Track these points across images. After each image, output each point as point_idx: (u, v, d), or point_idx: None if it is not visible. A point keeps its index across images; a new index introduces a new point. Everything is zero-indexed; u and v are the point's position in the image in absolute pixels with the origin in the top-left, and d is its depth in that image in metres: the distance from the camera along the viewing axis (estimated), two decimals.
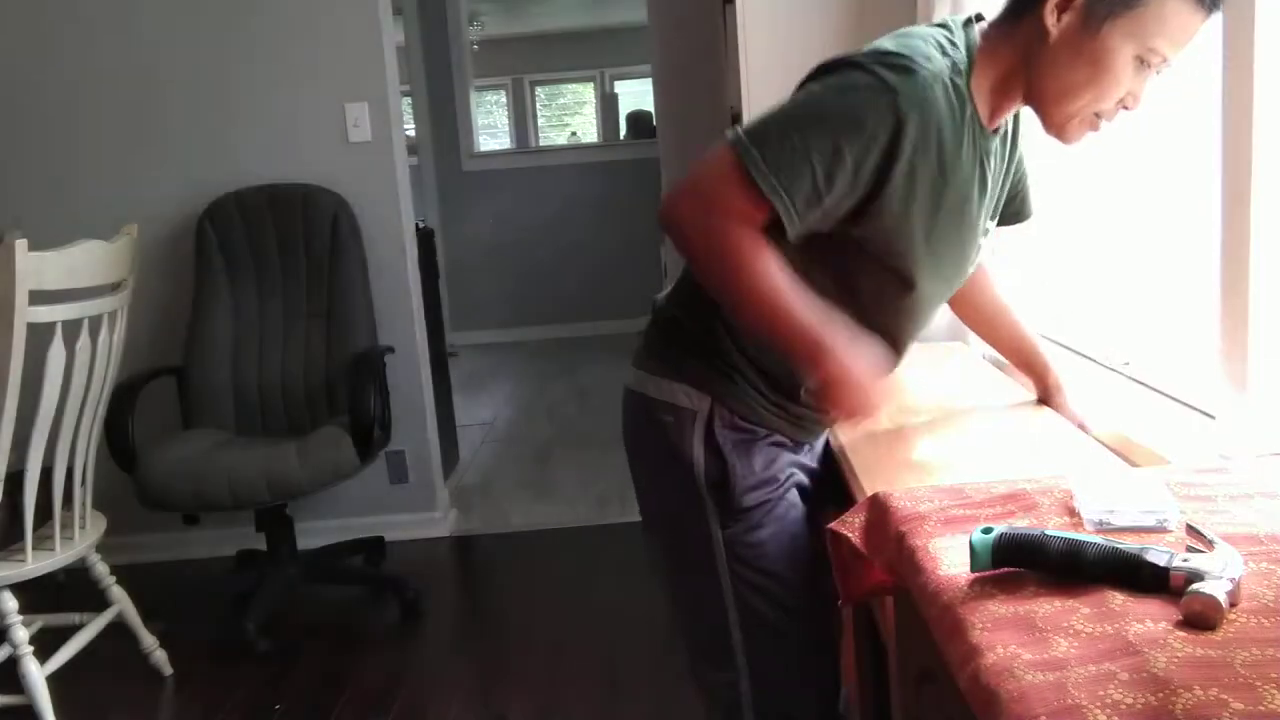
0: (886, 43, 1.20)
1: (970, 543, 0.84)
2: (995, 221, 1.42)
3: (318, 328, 3.14)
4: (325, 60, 3.29)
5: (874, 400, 1.20)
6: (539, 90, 10.88)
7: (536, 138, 10.73)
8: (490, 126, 10.76)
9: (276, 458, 2.75)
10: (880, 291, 1.30)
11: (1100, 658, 0.70)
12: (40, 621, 2.59)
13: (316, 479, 2.77)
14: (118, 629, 2.62)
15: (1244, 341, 1.21)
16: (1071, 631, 0.74)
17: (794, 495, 1.41)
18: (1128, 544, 0.81)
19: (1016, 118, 1.36)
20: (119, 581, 2.63)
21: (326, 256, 3.15)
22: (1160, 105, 1.61)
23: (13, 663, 2.31)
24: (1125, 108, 1.20)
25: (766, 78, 2.60)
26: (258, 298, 3.18)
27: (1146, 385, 1.56)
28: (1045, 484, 1.04)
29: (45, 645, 2.39)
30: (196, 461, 2.77)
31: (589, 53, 10.09)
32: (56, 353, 2.25)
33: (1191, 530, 0.84)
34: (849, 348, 1.18)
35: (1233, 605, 0.74)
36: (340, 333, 3.11)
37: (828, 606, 1.42)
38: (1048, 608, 0.78)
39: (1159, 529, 0.89)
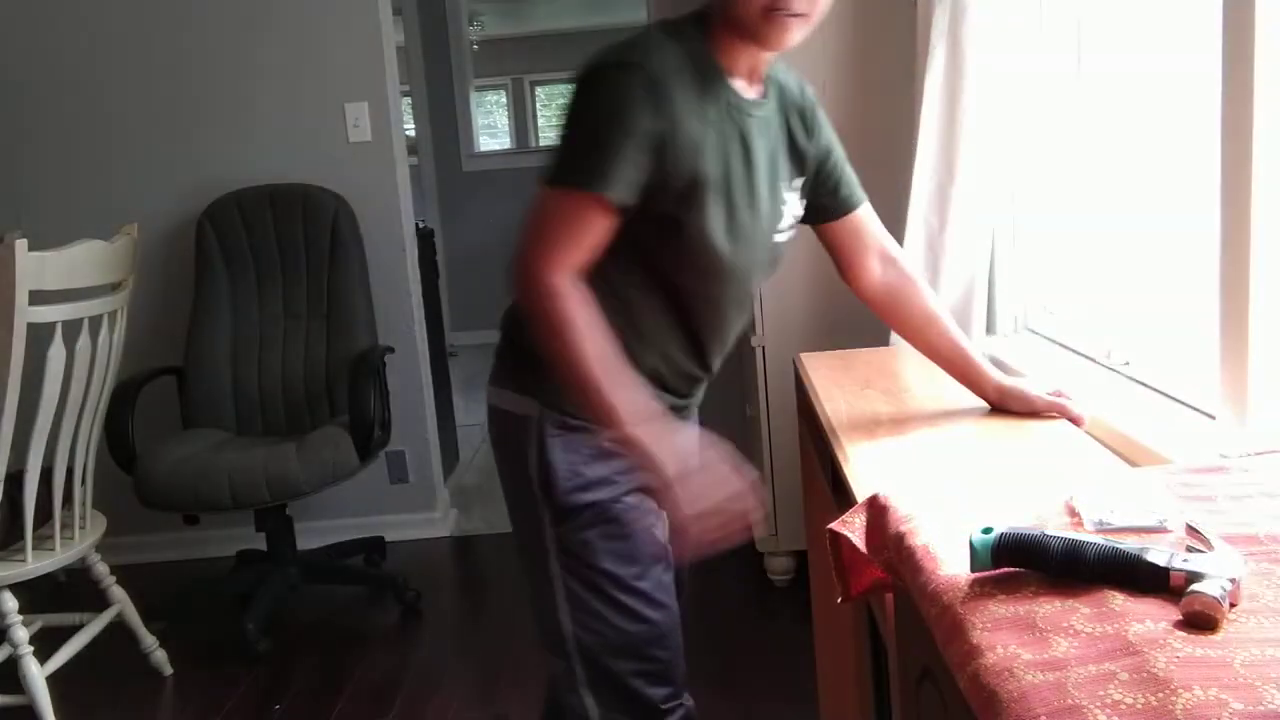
0: (607, 49, 1.34)
1: (970, 543, 0.84)
2: (803, 200, 1.51)
3: (318, 328, 3.14)
4: (325, 60, 3.29)
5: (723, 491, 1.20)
6: (539, 90, 10.86)
7: (536, 138, 10.72)
8: (490, 126, 10.74)
9: (276, 458, 2.76)
10: (695, 281, 1.38)
11: (1100, 658, 0.70)
12: (40, 621, 2.59)
13: (316, 479, 2.77)
14: (118, 629, 2.63)
15: (1244, 342, 1.21)
16: (1071, 631, 0.74)
17: (636, 498, 1.44)
18: (1128, 544, 0.81)
19: (808, 113, 1.49)
20: (119, 581, 2.63)
21: (326, 256, 3.15)
22: (1161, 101, 1.61)
23: (13, 663, 2.31)
24: None
25: None
26: (258, 298, 3.18)
27: (1146, 385, 1.56)
28: (1045, 484, 1.04)
29: (45, 645, 2.40)
30: (196, 461, 2.77)
31: (589, 53, 10.06)
32: (56, 353, 2.25)
33: (1191, 530, 0.84)
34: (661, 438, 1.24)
35: (1233, 605, 0.74)
36: (340, 333, 3.11)
37: (669, 605, 1.49)
38: (1048, 608, 0.78)
39: (1159, 529, 0.89)
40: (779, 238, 1.47)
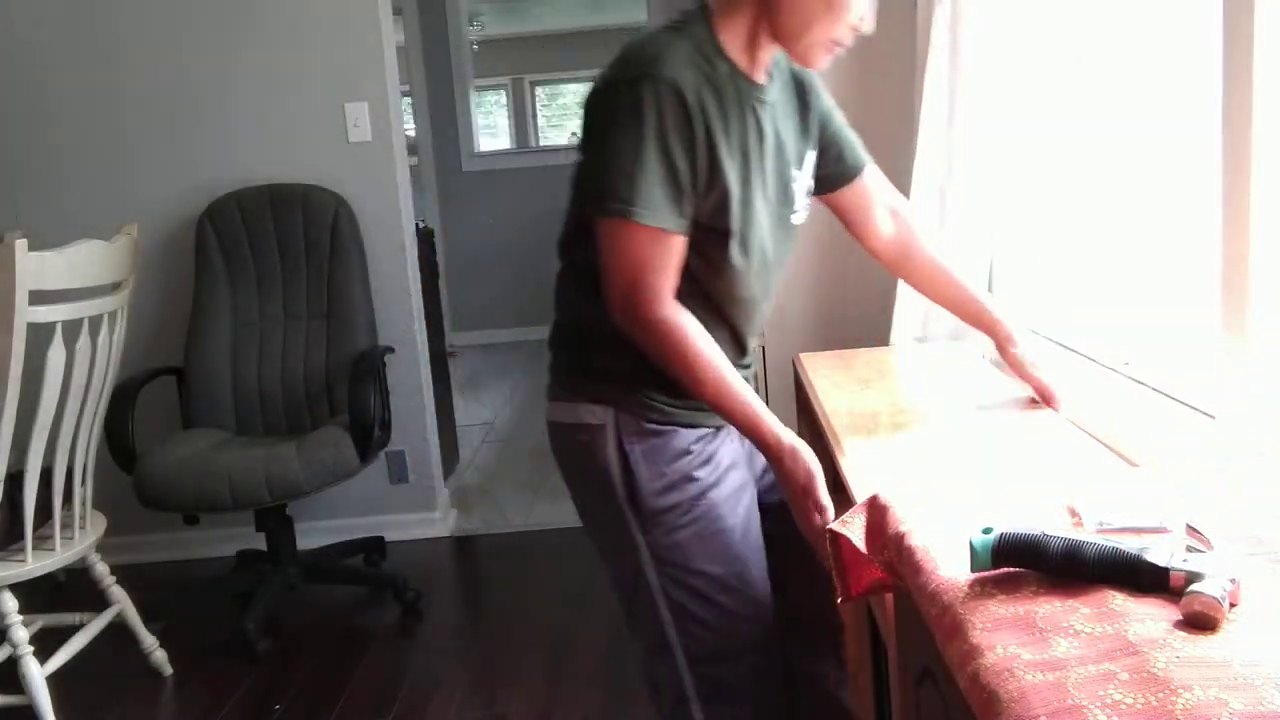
0: (621, 61, 1.32)
1: (970, 543, 0.84)
2: (813, 175, 1.51)
3: (318, 328, 3.14)
4: (325, 60, 3.29)
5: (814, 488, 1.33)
6: (539, 90, 10.87)
7: (536, 138, 10.73)
8: (490, 126, 10.75)
9: (276, 458, 2.75)
10: (728, 284, 1.39)
11: (1100, 658, 0.70)
12: (40, 621, 2.59)
13: (316, 479, 2.77)
14: (118, 629, 2.62)
15: (1244, 342, 1.21)
16: (1071, 631, 0.74)
17: (720, 492, 1.43)
18: (1128, 544, 0.81)
19: (806, 82, 1.49)
20: (119, 581, 2.62)
21: (326, 256, 3.15)
22: (1160, 103, 1.61)
23: (13, 663, 2.31)
24: (857, 30, 1.33)
25: None
26: (258, 298, 3.18)
27: (1146, 385, 1.56)
28: (1045, 484, 1.04)
29: (45, 645, 2.39)
30: (196, 461, 2.77)
31: (589, 53, 10.05)
32: (56, 353, 2.25)
33: (1191, 530, 0.84)
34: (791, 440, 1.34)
35: (1233, 605, 0.74)
36: (340, 333, 3.11)
37: (766, 597, 1.47)
38: (1048, 608, 0.78)
39: (1159, 529, 0.89)
40: (795, 219, 1.48)
